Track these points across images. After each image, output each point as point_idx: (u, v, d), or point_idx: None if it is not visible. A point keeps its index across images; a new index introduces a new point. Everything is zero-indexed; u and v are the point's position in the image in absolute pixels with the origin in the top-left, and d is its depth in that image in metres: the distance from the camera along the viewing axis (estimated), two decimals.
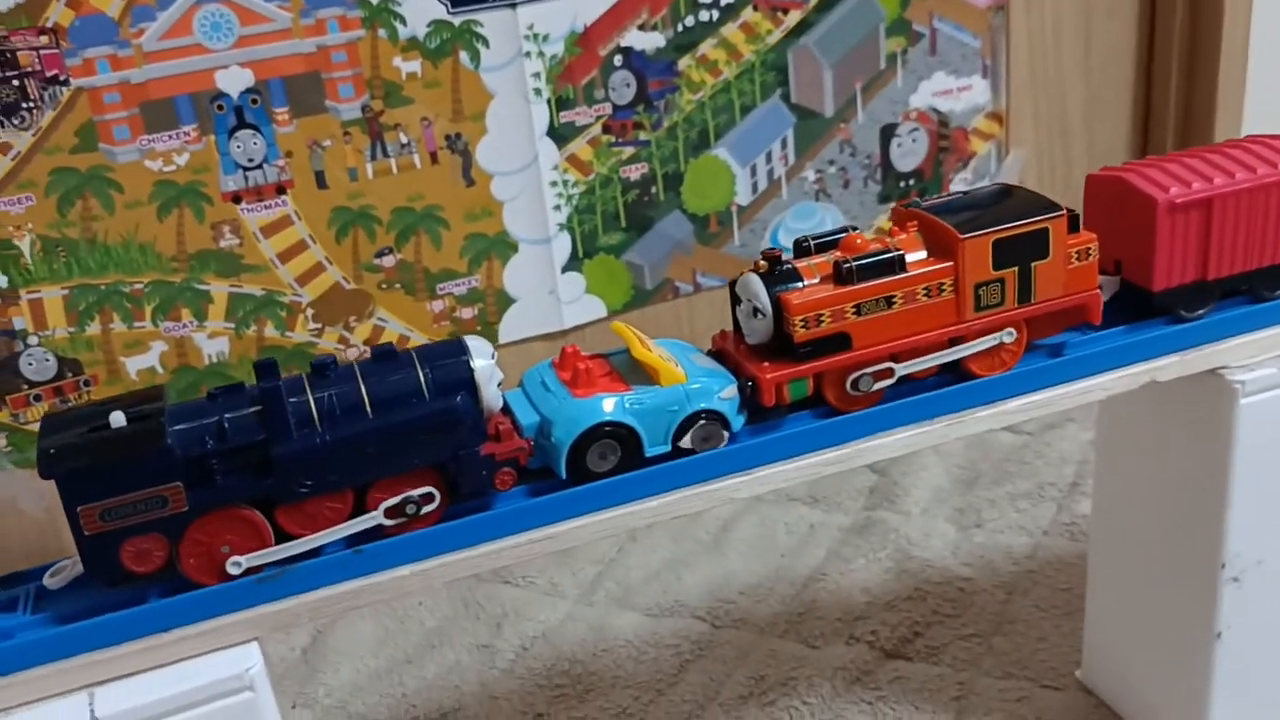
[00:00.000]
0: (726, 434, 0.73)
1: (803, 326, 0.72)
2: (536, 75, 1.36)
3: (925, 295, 0.75)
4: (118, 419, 0.64)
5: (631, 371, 0.74)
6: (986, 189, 0.81)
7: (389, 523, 0.68)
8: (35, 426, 1.27)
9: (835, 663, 1.10)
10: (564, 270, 1.45)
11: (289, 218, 1.32)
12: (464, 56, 1.33)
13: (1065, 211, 0.76)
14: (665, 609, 1.22)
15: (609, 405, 0.70)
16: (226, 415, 0.65)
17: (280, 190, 1.31)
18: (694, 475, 0.72)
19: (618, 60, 1.40)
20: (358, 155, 1.32)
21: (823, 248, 0.77)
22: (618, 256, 1.47)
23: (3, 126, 1.19)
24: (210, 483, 0.64)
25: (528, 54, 1.35)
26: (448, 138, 1.35)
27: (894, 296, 0.74)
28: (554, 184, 1.42)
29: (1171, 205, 0.79)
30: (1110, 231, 0.82)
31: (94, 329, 1.28)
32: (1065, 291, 0.78)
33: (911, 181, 1.59)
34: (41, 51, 1.19)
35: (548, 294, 1.45)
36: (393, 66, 1.31)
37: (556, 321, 1.47)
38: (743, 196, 1.51)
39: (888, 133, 1.56)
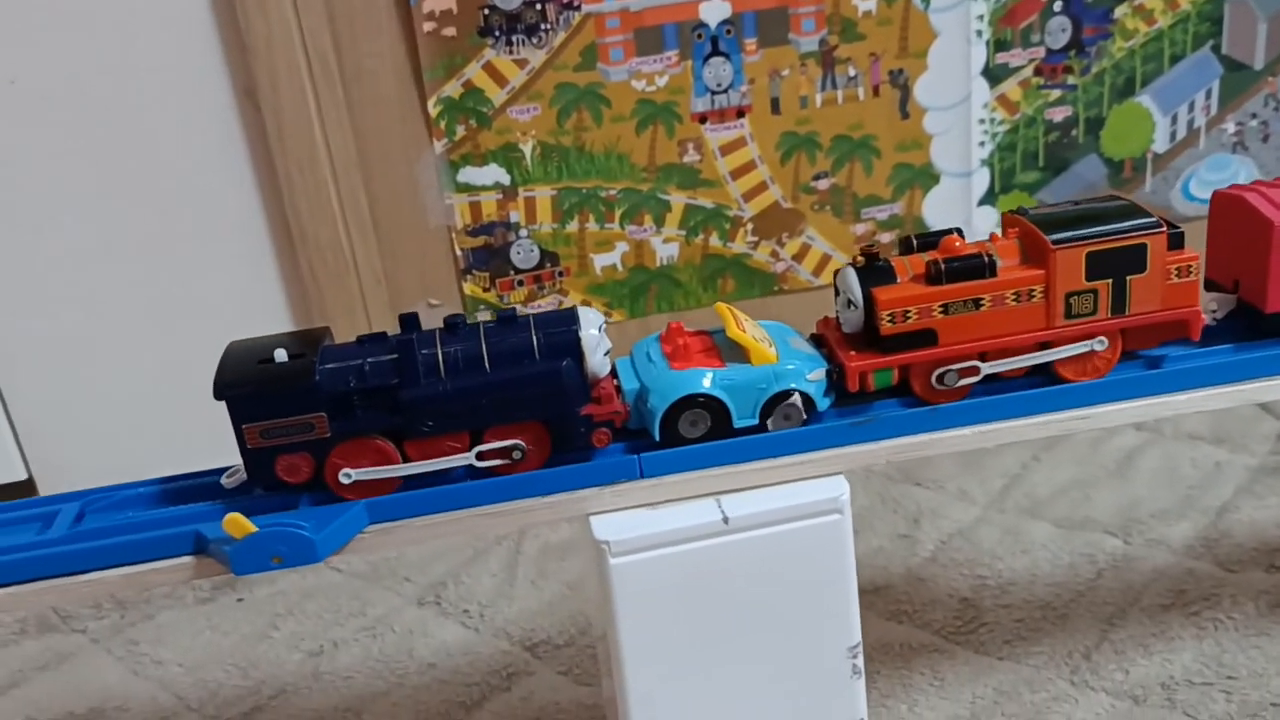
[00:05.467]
0: (808, 412, 0.79)
1: (889, 321, 0.78)
2: (980, 18, 1.45)
3: (1014, 300, 0.78)
4: (280, 355, 0.75)
5: (730, 350, 0.80)
6: (1101, 200, 0.83)
7: (480, 464, 0.77)
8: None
9: (1257, 586, 1.16)
10: (979, 204, 1.54)
11: (744, 139, 1.46)
12: None
13: (1165, 228, 0.78)
14: (1076, 523, 1.31)
15: (702, 379, 0.78)
16: (368, 360, 0.75)
17: (740, 114, 1.45)
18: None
19: (1058, 5, 1.46)
20: (810, 85, 1.45)
21: (924, 247, 0.82)
22: (1031, 194, 1.55)
23: (524, 45, 1.38)
24: (350, 415, 0.75)
25: None
26: (890, 73, 1.46)
27: (981, 299, 0.78)
28: (981, 121, 1.50)
29: None
30: (1231, 250, 0.84)
31: (572, 227, 1.47)
32: (1163, 306, 0.79)
33: None
34: None
35: (962, 224, 1.54)
36: (851, 4, 1.42)
37: None
38: (1160, 144, 1.55)
39: None
